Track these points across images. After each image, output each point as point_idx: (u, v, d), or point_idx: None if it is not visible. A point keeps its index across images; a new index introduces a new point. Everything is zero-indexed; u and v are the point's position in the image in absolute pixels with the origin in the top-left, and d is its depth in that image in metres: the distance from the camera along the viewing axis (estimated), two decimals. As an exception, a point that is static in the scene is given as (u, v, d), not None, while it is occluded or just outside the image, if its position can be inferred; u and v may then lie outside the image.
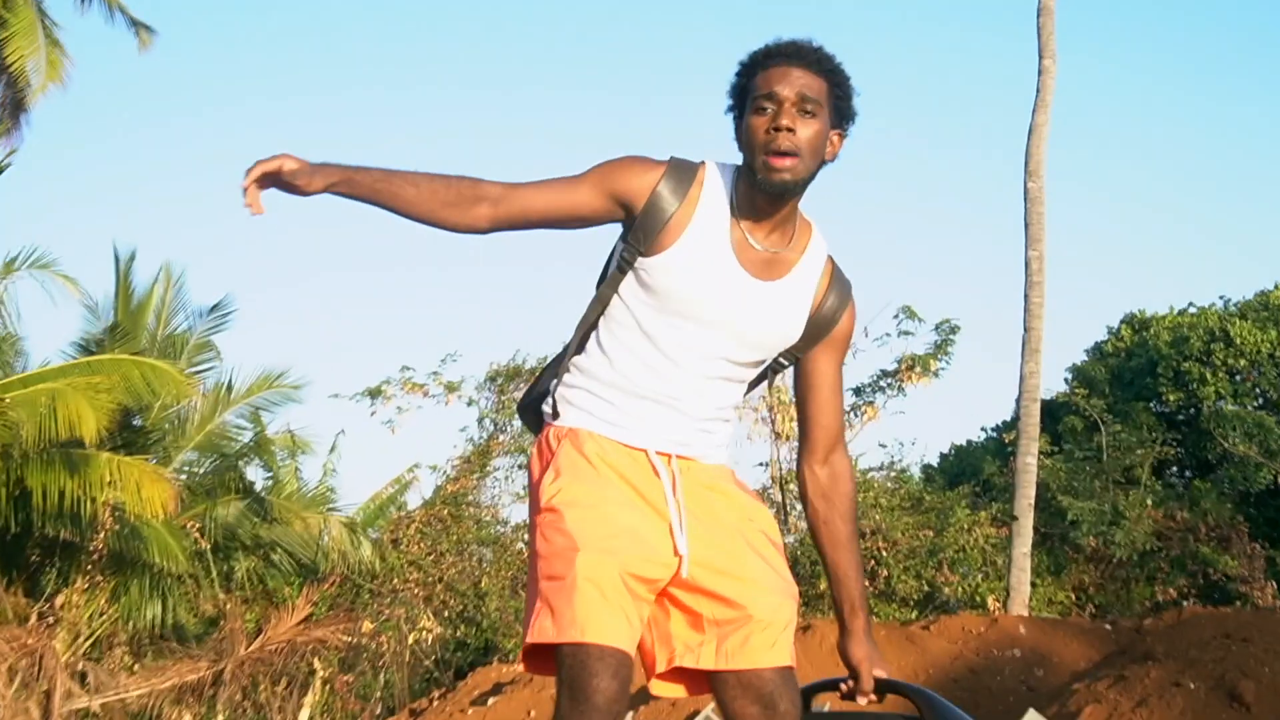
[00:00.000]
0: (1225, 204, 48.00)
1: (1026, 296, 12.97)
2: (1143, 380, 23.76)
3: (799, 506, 13.51)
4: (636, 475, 2.73)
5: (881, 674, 2.91)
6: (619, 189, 2.71)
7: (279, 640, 13.09)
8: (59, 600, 13.09)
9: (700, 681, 2.76)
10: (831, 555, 2.93)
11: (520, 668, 9.41)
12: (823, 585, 12.52)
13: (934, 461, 24.86)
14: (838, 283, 2.87)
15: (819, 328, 2.86)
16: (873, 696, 2.92)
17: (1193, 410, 23.00)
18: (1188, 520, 16.62)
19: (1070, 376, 25.35)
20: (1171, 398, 23.14)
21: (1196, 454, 22.25)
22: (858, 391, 14.63)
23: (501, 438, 17.00)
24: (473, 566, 15.59)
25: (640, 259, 2.72)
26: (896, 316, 14.47)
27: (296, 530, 15.48)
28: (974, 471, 20.13)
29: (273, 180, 2.53)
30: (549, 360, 3.03)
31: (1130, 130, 47.31)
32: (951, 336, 14.51)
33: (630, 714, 7.79)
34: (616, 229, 2.81)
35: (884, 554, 13.14)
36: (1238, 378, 23.07)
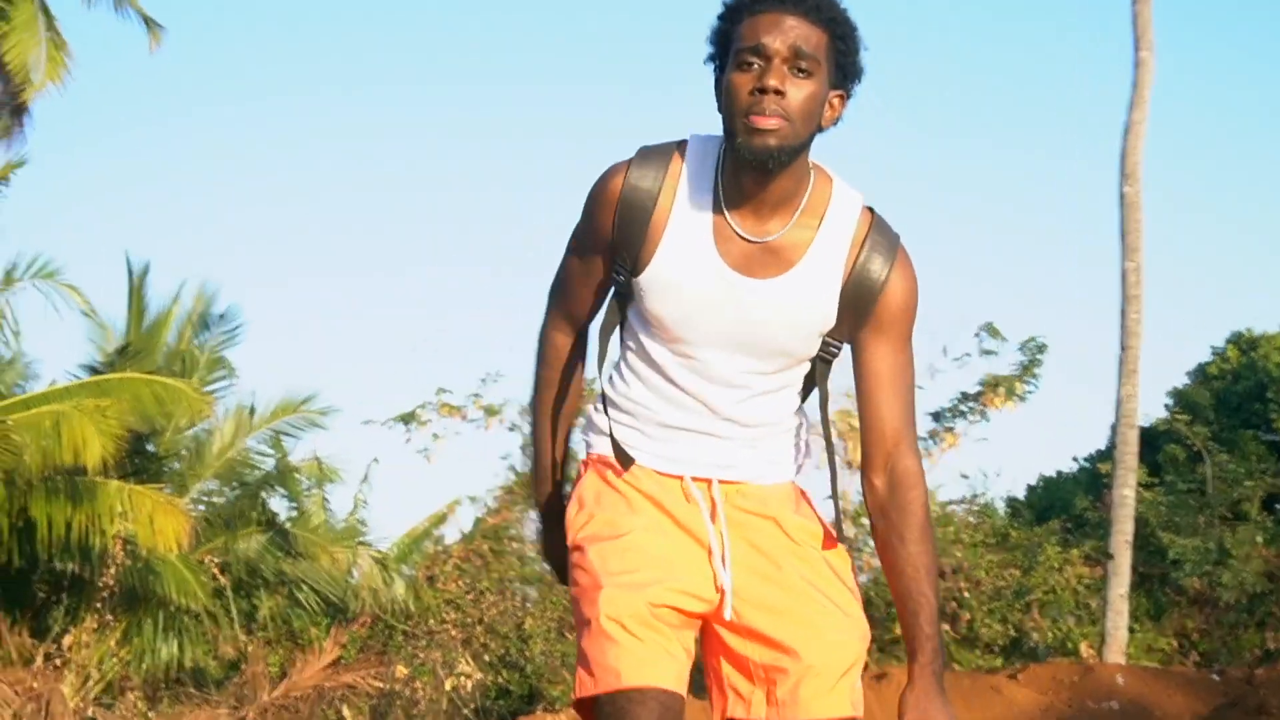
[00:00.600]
0: (1343, 212, 46.02)
1: (1123, 313, 12.15)
2: (1251, 405, 23.38)
3: (872, 542, 12.94)
4: (672, 501, 2.57)
5: None
6: (595, 239, 2.54)
7: (305, 685, 12.62)
8: (67, 640, 12.64)
9: None
10: (893, 583, 2.58)
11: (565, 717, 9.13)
12: (897, 629, 11.83)
13: (1020, 494, 24.18)
14: (876, 246, 2.50)
15: (857, 305, 2.50)
16: None
17: (1307, 438, 22.25)
18: (1301, 560, 15.87)
19: (1171, 401, 24.87)
20: (1283, 424, 22.56)
21: (1311, 487, 21.45)
22: (936, 416, 13.87)
23: (547, 466, 16.17)
24: (515, 606, 14.80)
25: (630, 279, 2.52)
26: (977, 334, 13.61)
27: (324, 566, 15.09)
28: (1064, 505, 19.63)
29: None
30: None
31: (1236, 129, 45.54)
32: (1039, 357, 13.69)
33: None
34: None
35: (966, 595, 12.45)
36: (1357, 403, 22.47)
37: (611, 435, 2.60)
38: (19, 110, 14.22)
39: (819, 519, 2.68)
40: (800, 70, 2.35)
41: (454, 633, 14.19)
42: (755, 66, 2.35)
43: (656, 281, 2.48)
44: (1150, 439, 19.13)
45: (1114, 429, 12.15)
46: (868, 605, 12.55)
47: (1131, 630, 12.72)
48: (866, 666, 2.66)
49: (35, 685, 11.41)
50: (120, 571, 12.56)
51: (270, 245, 34.11)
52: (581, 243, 2.58)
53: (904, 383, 2.57)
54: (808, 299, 2.49)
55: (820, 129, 2.43)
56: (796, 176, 2.44)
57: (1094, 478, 20.64)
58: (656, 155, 2.51)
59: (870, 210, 2.53)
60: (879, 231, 2.51)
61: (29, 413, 11.98)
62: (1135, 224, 12.26)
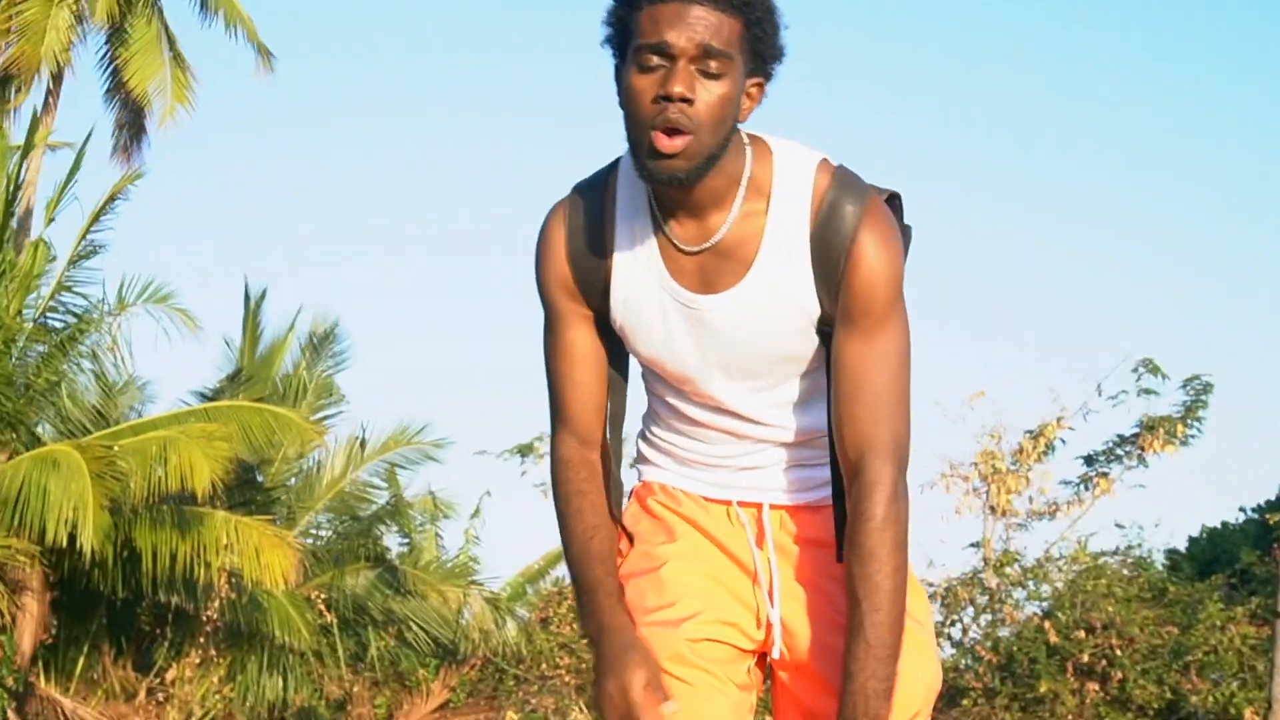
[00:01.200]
0: None
1: None
2: None
3: (1016, 594, 12.53)
4: (716, 526, 2.37)
5: None
6: (564, 302, 2.31)
7: (413, 729, 12.53)
8: (170, 675, 12.65)
9: None
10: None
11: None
12: (1042, 687, 11.48)
13: (1180, 546, 23.53)
14: (838, 202, 2.18)
15: (827, 277, 2.20)
16: None
17: None
18: None
19: (1349, 447, 24.13)
20: None
21: None
22: (1089, 460, 13.26)
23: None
24: (633, 652, 14.51)
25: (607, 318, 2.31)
26: (1136, 371, 12.90)
27: (434, 605, 14.86)
28: (1229, 559, 18.90)
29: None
30: None
31: None
32: (1203, 397, 13.00)
33: None
34: None
35: (1118, 653, 11.88)
36: None
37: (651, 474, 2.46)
38: (139, 131, 14.31)
39: None
40: (709, 73, 2.08)
41: (568, 678, 13.94)
42: (658, 67, 2.08)
43: (621, 319, 2.29)
44: (1325, 488, 18.41)
45: (1285, 476, 11.64)
46: (1008, 660, 12.04)
47: (1303, 696, 12.74)
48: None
49: (137, 720, 11.31)
50: (225, 605, 12.50)
51: (382, 269, 34.20)
52: (558, 316, 2.33)
53: (878, 372, 2.21)
54: (779, 295, 2.22)
55: (737, 125, 2.16)
56: (725, 170, 2.16)
57: (1263, 529, 19.47)
58: (589, 188, 2.30)
59: (829, 164, 2.22)
60: (840, 185, 2.19)
61: (136, 439, 11.83)
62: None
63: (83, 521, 10.52)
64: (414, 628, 14.92)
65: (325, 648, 13.92)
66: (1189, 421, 12.97)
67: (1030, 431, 12.72)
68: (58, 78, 14.97)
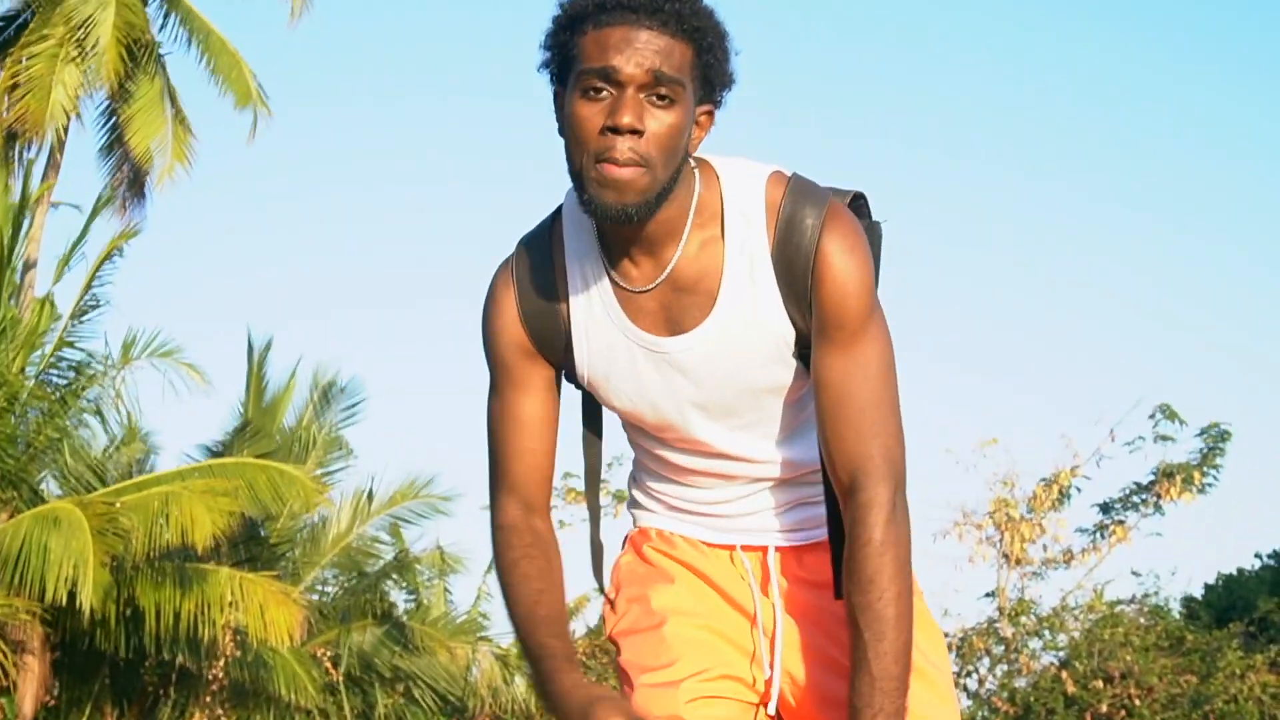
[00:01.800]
0: None
1: None
2: None
3: (1032, 643, 12.58)
4: (716, 572, 2.26)
5: None
6: (516, 364, 2.18)
7: (421, 789, 12.46)
8: None
9: None
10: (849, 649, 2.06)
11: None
12: None
13: (1197, 593, 23.36)
14: (795, 212, 2.06)
15: (796, 295, 2.08)
16: None
17: None
18: None
19: (1365, 493, 24.16)
20: None
21: None
22: (1105, 508, 13.37)
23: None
24: (644, 707, 14.41)
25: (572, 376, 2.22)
26: (1153, 417, 13.01)
27: (441, 661, 14.70)
28: (1246, 606, 18.52)
29: None
30: None
31: None
32: (1221, 445, 13.07)
33: None
34: None
35: (1137, 703, 11.97)
36: None
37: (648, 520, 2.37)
38: (140, 189, 14.35)
39: None
40: (660, 98, 1.96)
41: (578, 735, 13.86)
42: (604, 95, 1.95)
43: (592, 380, 2.19)
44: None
45: (1303, 521, 11.67)
46: (1025, 711, 12.05)
47: (1325, 745, 12.67)
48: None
49: (142, 783, 11.25)
50: (230, 664, 12.37)
51: (384, 321, 34.34)
52: (510, 380, 2.21)
53: (862, 388, 2.08)
54: (748, 323, 2.10)
55: (687, 156, 2.04)
56: (676, 201, 2.04)
57: None
58: (534, 240, 2.18)
59: (781, 175, 2.10)
60: (796, 195, 2.07)
61: (140, 494, 11.79)
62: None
63: (82, 579, 10.47)
64: (421, 685, 14.79)
65: (332, 706, 13.81)
66: (1206, 469, 13.01)
67: (1044, 479, 12.76)
68: (62, 135, 15.05)
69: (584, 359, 2.16)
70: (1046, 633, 12.38)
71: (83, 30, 14.47)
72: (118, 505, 11.49)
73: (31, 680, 11.48)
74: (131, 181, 15.04)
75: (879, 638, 2.00)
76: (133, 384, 12.98)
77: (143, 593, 11.55)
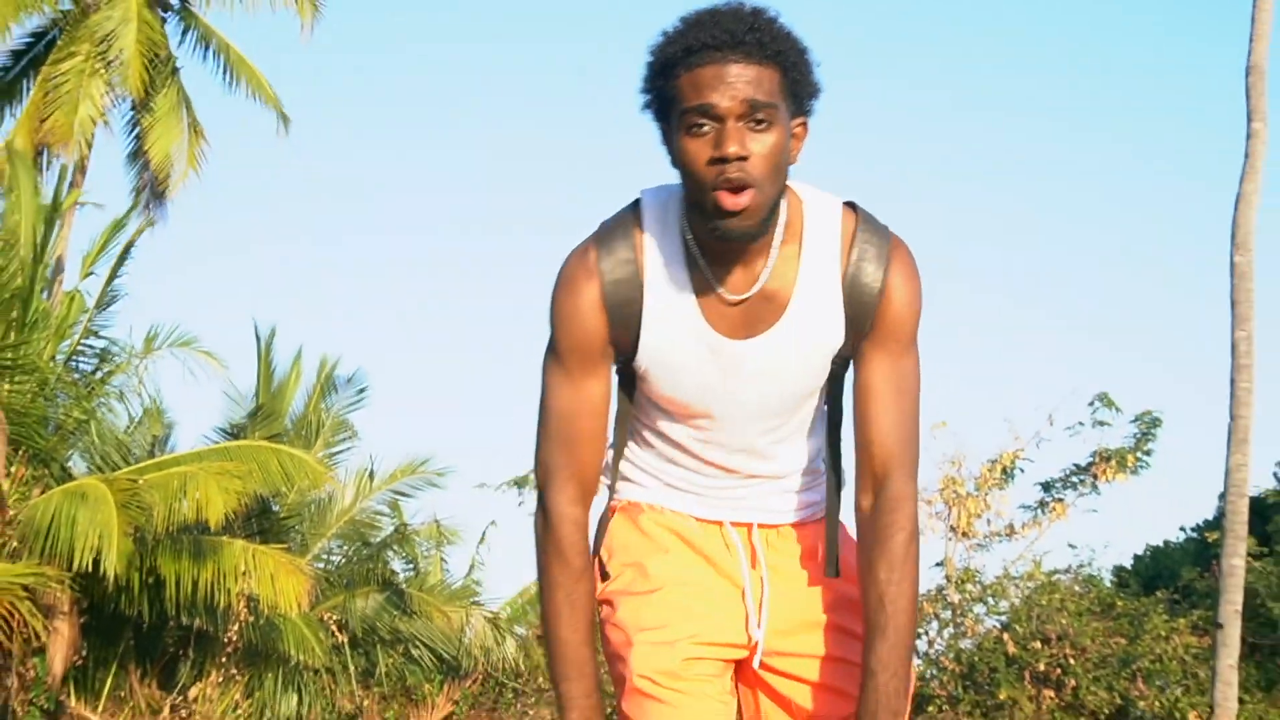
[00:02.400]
0: None
1: (1233, 381, 11.69)
2: (1363, 475, 22.09)
3: (976, 609, 12.77)
4: (707, 544, 2.38)
5: None
6: (587, 348, 2.23)
7: (419, 740, 12.48)
8: (193, 693, 12.80)
9: None
10: (865, 626, 2.23)
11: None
12: (1002, 694, 11.69)
13: (1127, 563, 23.59)
14: (867, 247, 2.21)
15: (857, 317, 2.23)
16: None
17: None
18: None
19: (1281, 472, 24.04)
20: (1396, 490, 21.36)
21: None
22: (1046, 487, 13.69)
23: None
24: (624, 665, 14.83)
25: (630, 366, 2.29)
26: (1092, 404, 13.43)
27: (438, 624, 15.06)
28: (1171, 575, 18.90)
29: None
30: None
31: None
32: (1153, 431, 13.50)
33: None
34: None
35: (1071, 662, 12.18)
36: None
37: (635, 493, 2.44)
38: (160, 195, 14.59)
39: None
40: (758, 122, 2.08)
41: (564, 691, 14.22)
42: (707, 129, 2.07)
43: (649, 360, 2.25)
44: (1260, 509, 18.23)
45: (1223, 499, 11.63)
46: (970, 669, 12.19)
47: (1242, 701, 12.36)
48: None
49: (162, 736, 11.32)
50: (243, 628, 12.61)
51: (383, 305, 34.52)
52: (582, 367, 2.26)
53: (902, 397, 2.26)
54: (810, 336, 2.25)
55: (789, 166, 2.17)
56: (774, 215, 2.19)
57: (1202, 547, 19.94)
58: (619, 231, 2.24)
59: (852, 208, 2.27)
60: (866, 229, 2.23)
61: (160, 474, 12.16)
62: (1246, 293, 11.94)
63: (107, 549, 10.76)
64: (420, 646, 15.13)
65: (337, 665, 14.07)
66: (1139, 453, 13.38)
67: (990, 460, 13.14)
68: (88, 143, 15.32)
69: (649, 350, 2.24)
70: (990, 599, 12.54)
71: (105, 44, 14.83)
72: (140, 482, 11.83)
73: (61, 642, 11.63)
74: (152, 187, 15.53)
75: (902, 610, 2.16)
76: (154, 371, 13.53)
77: (164, 563, 11.83)
